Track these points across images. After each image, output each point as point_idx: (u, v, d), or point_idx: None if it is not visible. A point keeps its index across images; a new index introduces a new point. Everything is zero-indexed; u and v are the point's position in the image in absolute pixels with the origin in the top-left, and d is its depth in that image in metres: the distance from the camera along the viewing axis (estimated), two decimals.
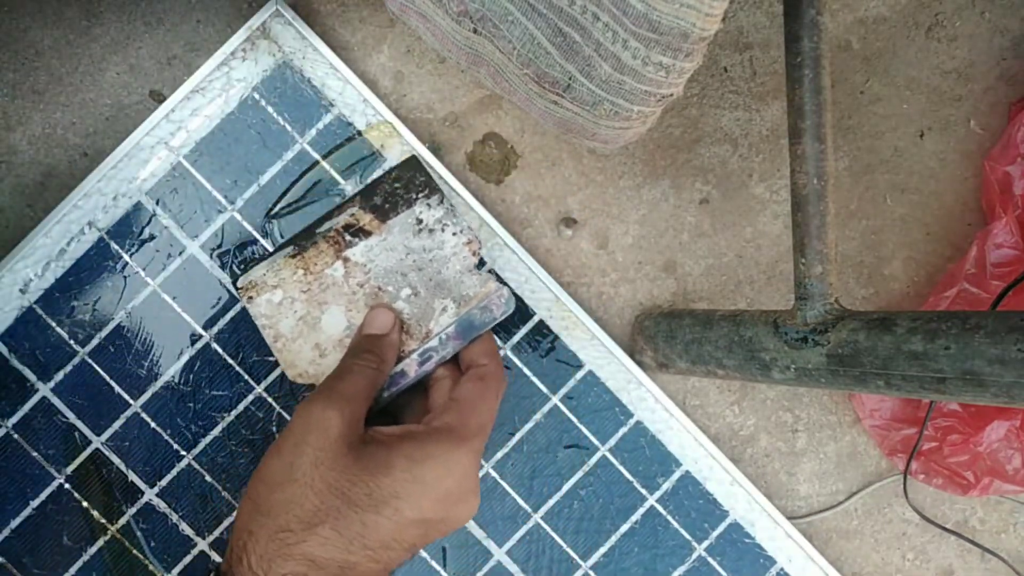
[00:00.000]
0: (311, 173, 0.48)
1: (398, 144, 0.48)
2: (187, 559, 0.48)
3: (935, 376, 0.32)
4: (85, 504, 0.47)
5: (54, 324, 0.47)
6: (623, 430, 0.49)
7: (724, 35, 0.53)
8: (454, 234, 0.44)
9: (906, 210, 0.55)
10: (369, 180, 0.46)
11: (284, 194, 0.48)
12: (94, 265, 0.47)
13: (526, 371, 0.49)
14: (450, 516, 0.38)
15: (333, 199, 0.47)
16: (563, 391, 0.49)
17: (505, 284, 0.44)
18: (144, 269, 0.47)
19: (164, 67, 0.50)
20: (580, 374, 0.49)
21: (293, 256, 0.44)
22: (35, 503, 0.47)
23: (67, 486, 0.47)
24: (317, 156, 0.48)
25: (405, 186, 0.45)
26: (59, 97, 0.49)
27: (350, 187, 0.48)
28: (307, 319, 0.44)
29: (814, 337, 0.37)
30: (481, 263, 0.48)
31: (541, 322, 0.49)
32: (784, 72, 0.40)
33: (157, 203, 0.47)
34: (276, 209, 0.48)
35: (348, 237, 0.44)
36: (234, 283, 0.44)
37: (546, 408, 0.49)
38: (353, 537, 0.35)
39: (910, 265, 0.55)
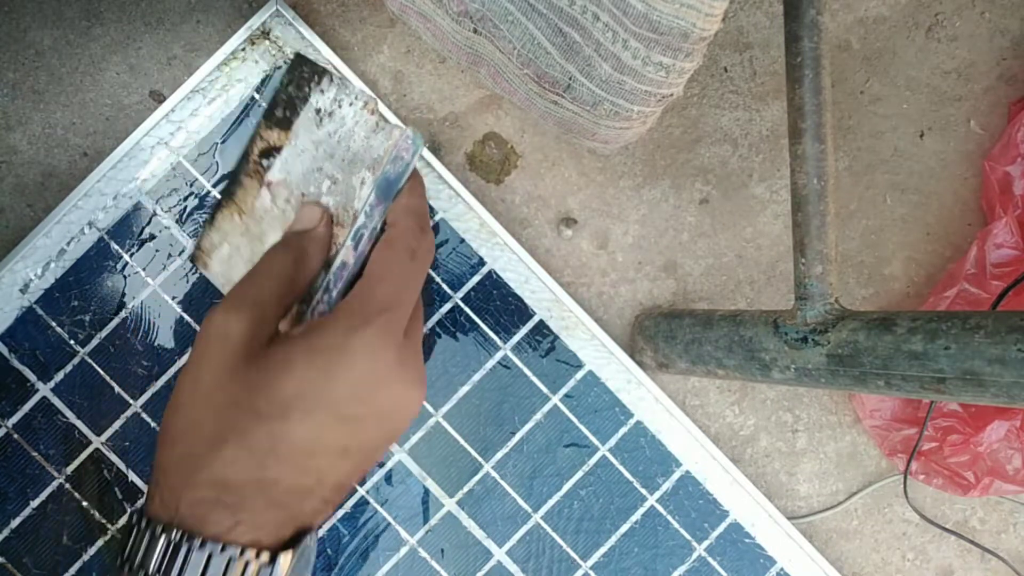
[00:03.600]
0: None
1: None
2: None
3: (935, 376, 0.32)
4: (85, 504, 0.47)
5: (54, 324, 0.47)
6: (623, 430, 0.49)
7: (724, 35, 0.53)
8: (351, 104, 0.42)
9: (906, 210, 0.55)
10: (267, 102, 0.45)
11: None
12: (94, 265, 0.47)
13: (526, 371, 0.49)
14: (380, 408, 0.33)
15: None
16: (563, 391, 0.49)
17: (408, 127, 0.43)
18: (144, 269, 0.47)
19: (164, 67, 0.50)
20: (580, 374, 0.49)
21: (226, 206, 0.44)
22: (35, 503, 0.46)
23: (67, 486, 0.47)
24: None
25: (297, 85, 0.43)
26: (59, 97, 0.49)
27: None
28: (253, 258, 0.42)
29: (814, 337, 0.37)
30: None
31: (541, 322, 0.49)
32: (784, 72, 0.40)
33: (157, 203, 0.47)
34: None
35: (265, 162, 0.43)
36: (191, 259, 0.44)
37: (546, 408, 0.49)
38: (264, 452, 0.31)
39: (910, 265, 0.55)
